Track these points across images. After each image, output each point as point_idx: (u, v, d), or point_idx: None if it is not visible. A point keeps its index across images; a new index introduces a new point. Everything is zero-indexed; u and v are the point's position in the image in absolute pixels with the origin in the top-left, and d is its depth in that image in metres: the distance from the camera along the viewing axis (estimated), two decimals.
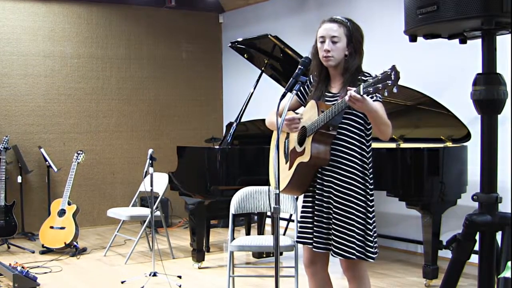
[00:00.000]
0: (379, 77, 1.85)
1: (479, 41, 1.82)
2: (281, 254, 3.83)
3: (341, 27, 2.14)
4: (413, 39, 1.89)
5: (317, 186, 2.19)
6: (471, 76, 1.83)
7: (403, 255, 4.38)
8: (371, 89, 1.87)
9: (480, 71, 1.81)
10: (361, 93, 1.91)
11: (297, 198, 3.12)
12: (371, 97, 2.03)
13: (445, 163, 3.41)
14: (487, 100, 1.77)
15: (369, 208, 2.14)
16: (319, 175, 2.18)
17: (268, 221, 4.87)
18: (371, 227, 2.14)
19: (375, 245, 2.15)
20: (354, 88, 1.94)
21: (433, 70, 4.16)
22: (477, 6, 1.61)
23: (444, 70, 4.10)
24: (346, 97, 1.95)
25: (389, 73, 1.82)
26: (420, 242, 3.81)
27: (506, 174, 3.48)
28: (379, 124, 2.06)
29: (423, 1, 1.73)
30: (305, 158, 2.13)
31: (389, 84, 1.81)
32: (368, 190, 2.15)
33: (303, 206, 2.27)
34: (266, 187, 3.16)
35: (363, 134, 2.16)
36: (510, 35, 1.82)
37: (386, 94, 1.85)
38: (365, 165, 2.15)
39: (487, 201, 1.79)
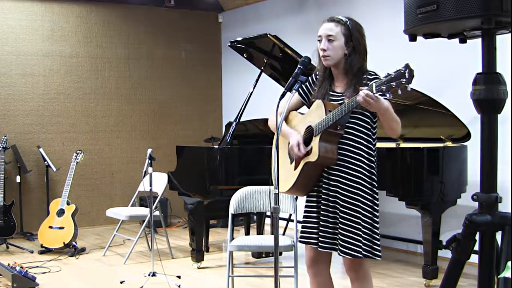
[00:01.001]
0: (392, 76, 1.84)
1: (479, 41, 1.82)
2: (280, 254, 3.82)
3: (338, 26, 2.14)
4: (412, 38, 1.88)
5: (323, 185, 2.17)
6: (471, 76, 1.82)
7: (403, 255, 4.38)
8: (385, 87, 1.85)
9: (480, 71, 1.80)
10: (374, 92, 1.89)
11: (296, 198, 3.11)
12: (381, 95, 2.02)
13: (445, 163, 3.41)
14: (487, 100, 1.77)
15: (375, 207, 2.14)
16: (325, 175, 2.17)
17: (268, 221, 4.87)
18: (377, 225, 2.14)
19: (379, 244, 2.15)
20: (367, 87, 1.93)
21: (433, 70, 4.15)
22: (477, 5, 1.61)
23: (444, 70, 4.09)
24: (360, 97, 1.93)
25: (403, 71, 1.81)
26: (420, 242, 3.81)
27: (506, 174, 3.48)
28: (390, 122, 2.05)
29: (423, 1, 1.72)
30: (313, 157, 2.12)
31: (403, 83, 1.80)
32: (375, 189, 2.15)
33: (307, 206, 2.26)
34: (265, 187, 3.15)
35: (370, 133, 2.15)
36: (510, 34, 1.82)
37: (400, 92, 1.83)
38: (371, 164, 2.15)
39: (487, 201, 1.79)
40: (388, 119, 2.04)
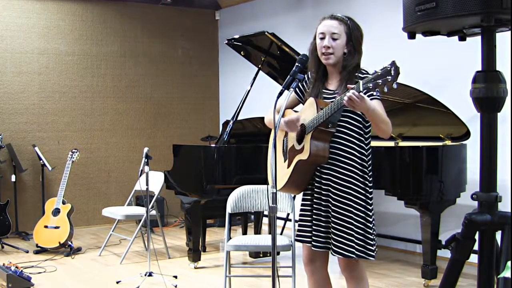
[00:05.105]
0: (379, 73, 1.84)
1: (478, 38, 1.80)
2: (278, 253, 3.80)
3: (341, 24, 2.14)
4: (411, 36, 1.86)
5: (315, 184, 2.18)
6: (471, 74, 1.80)
7: (402, 255, 4.36)
8: (371, 85, 1.86)
9: (480, 69, 1.79)
10: (361, 89, 1.90)
11: (294, 197, 3.09)
12: (370, 95, 2.01)
13: (444, 162, 3.39)
14: (487, 98, 1.75)
15: (368, 206, 2.13)
16: (317, 173, 2.17)
17: (265, 220, 4.85)
18: (371, 225, 2.13)
19: (375, 243, 2.14)
20: (354, 86, 1.92)
21: (432, 68, 4.14)
22: (477, 3, 1.59)
23: (443, 68, 4.07)
24: (345, 98, 1.92)
25: (388, 68, 1.82)
26: (419, 242, 3.80)
27: (506, 173, 3.47)
28: (378, 123, 2.05)
29: None
30: (304, 155, 2.12)
31: (389, 80, 1.81)
32: (368, 188, 2.14)
33: (302, 205, 2.26)
34: (263, 186, 3.13)
35: (362, 132, 2.15)
36: (510, 32, 1.80)
37: (386, 90, 1.84)
38: (364, 163, 2.14)
39: (487, 200, 1.77)
40: (375, 119, 2.03)
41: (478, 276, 1.80)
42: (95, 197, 5.73)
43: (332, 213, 2.12)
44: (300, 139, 2.18)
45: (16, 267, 3.43)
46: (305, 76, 2.25)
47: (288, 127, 2.18)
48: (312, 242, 2.18)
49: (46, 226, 4.50)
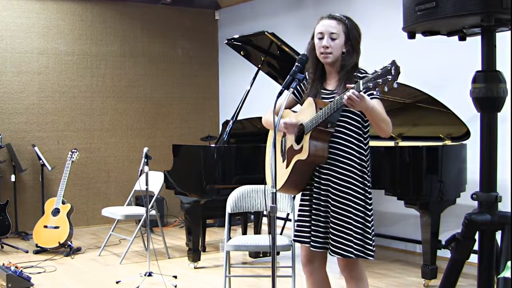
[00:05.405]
0: (379, 72, 1.84)
1: (478, 38, 1.80)
2: (278, 253, 3.81)
3: (339, 24, 2.14)
4: (411, 36, 1.86)
5: (315, 184, 2.18)
6: (471, 74, 1.80)
7: (402, 255, 4.36)
8: (371, 84, 1.86)
9: (480, 69, 1.78)
10: (361, 89, 1.89)
11: (294, 197, 3.09)
12: (370, 94, 2.01)
13: (444, 162, 3.39)
14: (487, 98, 1.75)
15: (368, 206, 2.13)
16: (316, 173, 2.17)
17: (265, 220, 4.85)
18: (370, 225, 2.13)
19: (373, 243, 2.13)
20: (354, 85, 1.92)
21: (432, 68, 4.13)
22: (477, 3, 1.59)
23: (443, 68, 4.07)
24: (343, 99, 1.92)
25: (389, 68, 1.81)
26: (419, 242, 3.79)
27: (506, 172, 3.47)
28: (378, 122, 2.04)
29: None
30: (303, 155, 2.11)
31: (390, 79, 1.80)
32: (367, 188, 2.14)
33: (301, 205, 2.26)
34: (262, 186, 3.13)
35: (361, 132, 2.15)
36: (510, 32, 1.80)
37: (386, 89, 1.83)
38: (363, 163, 2.14)
39: (487, 200, 1.77)
40: (375, 118, 2.03)
41: (478, 276, 1.80)
42: (94, 197, 5.72)
43: (331, 213, 2.12)
44: (298, 139, 2.18)
45: (16, 267, 3.43)
46: (304, 76, 2.25)
47: (287, 128, 2.18)
48: (311, 243, 2.17)
49: (45, 226, 4.50)
